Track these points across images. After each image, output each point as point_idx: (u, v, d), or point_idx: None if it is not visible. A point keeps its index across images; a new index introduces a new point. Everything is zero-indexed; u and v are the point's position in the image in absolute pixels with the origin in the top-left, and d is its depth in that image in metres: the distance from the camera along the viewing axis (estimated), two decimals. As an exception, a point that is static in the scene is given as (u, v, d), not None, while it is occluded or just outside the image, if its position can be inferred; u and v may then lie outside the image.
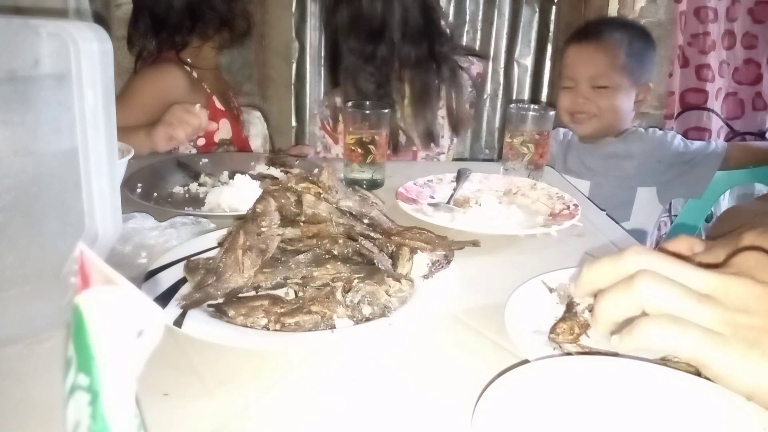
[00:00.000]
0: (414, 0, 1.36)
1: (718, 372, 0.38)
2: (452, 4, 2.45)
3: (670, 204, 1.69)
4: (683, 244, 0.48)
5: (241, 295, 0.61)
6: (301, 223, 0.70)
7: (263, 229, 0.64)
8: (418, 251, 0.70)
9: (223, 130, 1.45)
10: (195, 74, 1.39)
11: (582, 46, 1.47)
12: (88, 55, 0.49)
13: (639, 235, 1.46)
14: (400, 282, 0.61)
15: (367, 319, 0.58)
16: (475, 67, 1.51)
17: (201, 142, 1.42)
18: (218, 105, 1.44)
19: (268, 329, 0.56)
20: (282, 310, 0.57)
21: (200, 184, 1.04)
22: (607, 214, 1.00)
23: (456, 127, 1.47)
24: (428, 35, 1.39)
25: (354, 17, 1.35)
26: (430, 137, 1.42)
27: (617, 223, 0.97)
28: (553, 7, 2.49)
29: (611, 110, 1.44)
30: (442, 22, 1.45)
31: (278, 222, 0.66)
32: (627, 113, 1.48)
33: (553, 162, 1.43)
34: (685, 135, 2.08)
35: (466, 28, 2.50)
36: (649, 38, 1.50)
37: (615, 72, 1.43)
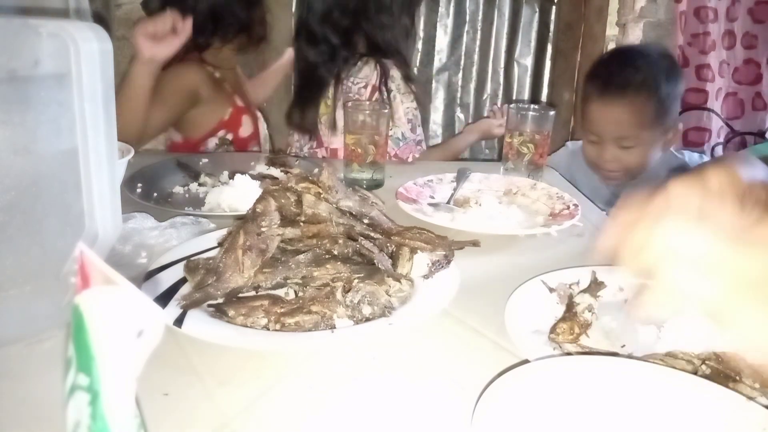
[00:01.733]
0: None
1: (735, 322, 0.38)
2: (452, 4, 2.45)
3: None
4: None
5: (241, 295, 0.61)
6: (301, 223, 0.70)
7: (263, 229, 0.64)
8: (418, 251, 0.70)
9: (246, 126, 1.52)
10: (217, 74, 1.47)
11: (606, 104, 1.28)
12: (88, 55, 0.49)
13: None
14: (400, 282, 0.61)
15: (367, 319, 0.58)
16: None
17: (230, 136, 1.48)
18: (239, 103, 1.52)
19: (268, 329, 0.56)
20: (282, 310, 0.57)
21: (200, 184, 1.04)
22: (607, 215, 1.00)
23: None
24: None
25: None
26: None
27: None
28: (553, 7, 2.49)
29: (640, 165, 1.32)
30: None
31: (278, 222, 0.66)
32: (656, 157, 1.35)
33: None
34: (685, 135, 2.08)
35: (466, 28, 2.50)
36: (676, 72, 1.33)
37: (644, 130, 1.28)
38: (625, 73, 1.30)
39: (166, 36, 1.16)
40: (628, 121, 1.26)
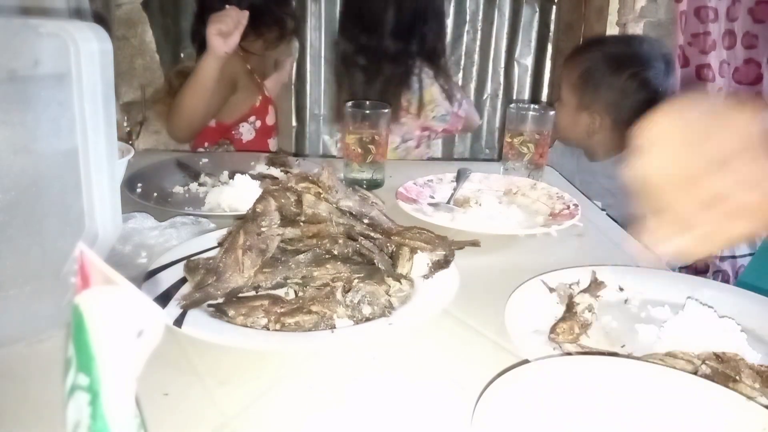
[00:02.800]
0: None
1: None
2: (452, 4, 2.45)
3: None
4: None
5: (241, 295, 0.61)
6: (301, 223, 0.70)
7: (263, 229, 0.65)
8: (418, 251, 0.70)
9: (271, 115, 1.63)
10: (248, 65, 1.57)
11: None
12: (88, 55, 0.49)
13: None
14: (400, 282, 0.61)
15: (367, 319, 0.58)
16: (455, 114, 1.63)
17: (258, 124, 1.57)
18: (267, 93, 1.63)
19: (268, 329, 0.56)
20: (282, 310, 0.57)
21: (200, 184, 1.04)
22: (607, 214, 1.00)
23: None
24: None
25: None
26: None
27: (617, 222, 0.97)
28: (553, 7, 2.49)
29: (558, 123, 1.37)
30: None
31: (278, 222, 0.66)
32: (573, 132, 1.43)
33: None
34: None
35: (466, 28, 2.50)
36: (617, 70, 1.38)
37: (568, 91, 1.43)
38: (589, 43, 1.55)
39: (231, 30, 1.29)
40: (563, 75, 1.45)
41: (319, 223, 0.70)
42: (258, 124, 1.60)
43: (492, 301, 0.64)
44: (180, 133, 1.47)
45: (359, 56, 1.54)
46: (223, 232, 0.73)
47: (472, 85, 2.59)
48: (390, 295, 0.60)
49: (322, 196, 0.72)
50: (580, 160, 1.51)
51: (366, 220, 0.74)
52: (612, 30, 2.32)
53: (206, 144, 1.59)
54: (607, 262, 0.77)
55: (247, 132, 1.61)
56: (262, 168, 1.12)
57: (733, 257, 1.83)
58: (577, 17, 2.47)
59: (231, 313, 0.56)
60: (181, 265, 0.66)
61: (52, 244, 0.55)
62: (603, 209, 1.11)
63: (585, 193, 1.15)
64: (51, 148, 0.54)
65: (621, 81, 1.35)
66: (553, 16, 2.50)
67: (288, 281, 0.63)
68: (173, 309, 0.56)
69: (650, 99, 1.33)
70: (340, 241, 0.69)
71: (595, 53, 1.43)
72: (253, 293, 0.62)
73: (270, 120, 1.63)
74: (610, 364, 0.44)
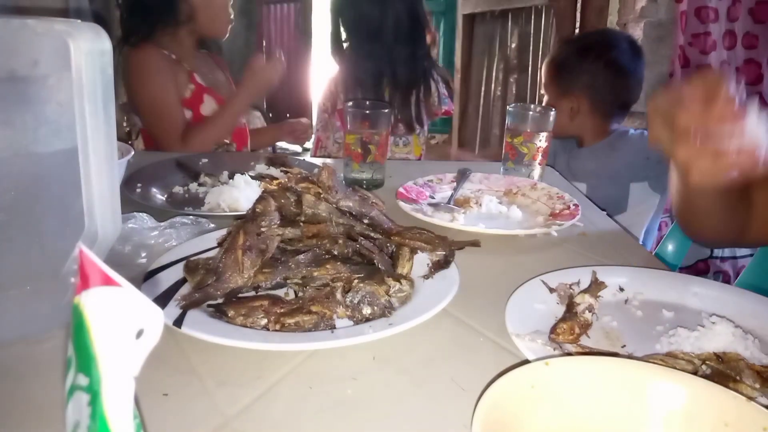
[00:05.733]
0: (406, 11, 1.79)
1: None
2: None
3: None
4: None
5: (241, 295, 0.61)
6: (301, 223, 0.70)
7: (263, 229, 0.64)
8: (418, 251, 0.70)
9: (208, 104, 1.60)
10: (173, 56, 1.56)
11: None
12: (88, 55, 0.49)
13: (637, 221, 1.52)
14: (400, 282, 0.61)
15: (367, 319, 0.58)
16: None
17: (188, 114, 1.56)
18: (199, 80, 1.60)
19: (268, 329, 0.56)
20: (282, 310, 0.57)
21: (200, 184, 1.04)
22: (607, 214, 1.00)
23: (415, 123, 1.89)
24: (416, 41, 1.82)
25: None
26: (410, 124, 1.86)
27: (617, 222, 0.97)
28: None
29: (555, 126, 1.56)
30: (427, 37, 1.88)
31: (278, 222, 0.66)
32: (559, 119, 1.52)
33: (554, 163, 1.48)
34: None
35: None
36: (585, 55, 1.56)
37: (548, 83, 1.61)
38: (567, 42, 1.74)
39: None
40: (545, 73, 1.63)
41: (319, 224, 0.70)
42: (189, 114, 1.57)
43: (492, 301, 0.64)
44: (190, 150, 1.46)
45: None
46: (223, 232, 0.73)
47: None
48: (390, 295, 0.60)
49: (322, 196, 0.72)
50: (572, 150, 1.62)
51: (366, 220, 0.74)
52: (612, 30, 2.32)
53: None
54: (607, 262, 0.77)
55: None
56: (262, 168, 1.12)
57: (734, 258, 1.84)
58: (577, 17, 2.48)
59: (231, 313, 0.56)
60: (180, 266, 0.66)
61: (51, 244, 0.55)
62: (587, 196, 1.16)
63: (572, 178, 1.22)
64: (50, 148, 0.54)
65: (589, 63, 1.54)
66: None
67: (288, 281, 0.63)
68: (173, 309, 0.56)
69: (618, 77, 1.54)
70: (340, 241, 0.69)
71: (567, 46, 1.65)
72: (252, 293, 0.62)
73: (205, 109, 1.59)
74: (610, 364, 0.44)
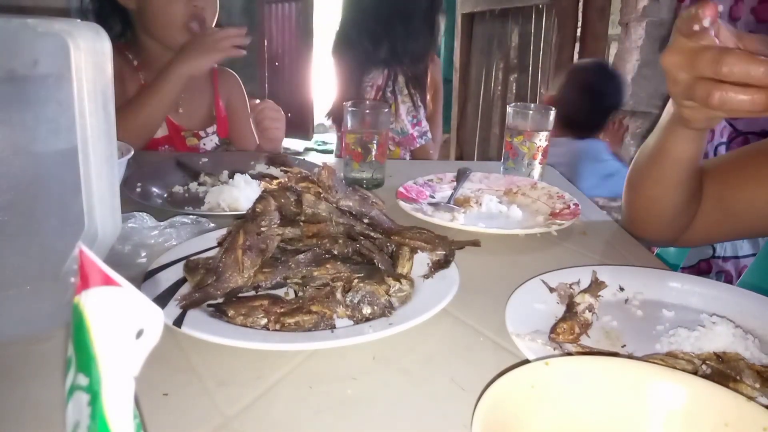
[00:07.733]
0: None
1: None
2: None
3: None
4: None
5: (241, 295, 0.61)
6: (301, 223, 0.70)
7: (263, 229, 0.64)
8: (418, 251, 0.70)
9: None
10: (135, 63, 1.51)
11: None
12: (88, 55, 0.49)
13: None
14: (400, 282, 0.61)
15: (367, 319, 0.58)
16: None
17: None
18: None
19: (268, 329, 0.56)
20: (282, 310, 0.57)
21: (200, 184, 1.04)
22: (607, 213, 1.00)
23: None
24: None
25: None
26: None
27: (617, 222, 0.97)
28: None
29: None
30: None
31: (278, 222, 0.66)
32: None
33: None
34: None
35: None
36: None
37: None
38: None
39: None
40: None
41: (319, 223, 0.70)
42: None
43: (492, 301, 0.64)
44: (149, 137, 1.40)
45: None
46: (223, 231, 0.73)
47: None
48: (390, 295, 0.60)
49: (322, 195, 0.72)
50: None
51: (366, 220, 0.74)
52: (614, 29, 2.32)
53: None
54: (607, 262, 0.77)
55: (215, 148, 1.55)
56: (262, 167, 1.12)
57: (736, 257, 1.84)
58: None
59: (231, 313, 0.56)
60: (180, 265, 0.66)
61: (51, 244, 0.55)
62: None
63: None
64: (50, 148, 0.54)
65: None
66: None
67: (288, 281, 0.63)
68: (173, 309, 0.56)
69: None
70: (340, 240, 0.69)
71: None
72: (252, 293, 0.62)
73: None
74: (610, 364, 0.44)
